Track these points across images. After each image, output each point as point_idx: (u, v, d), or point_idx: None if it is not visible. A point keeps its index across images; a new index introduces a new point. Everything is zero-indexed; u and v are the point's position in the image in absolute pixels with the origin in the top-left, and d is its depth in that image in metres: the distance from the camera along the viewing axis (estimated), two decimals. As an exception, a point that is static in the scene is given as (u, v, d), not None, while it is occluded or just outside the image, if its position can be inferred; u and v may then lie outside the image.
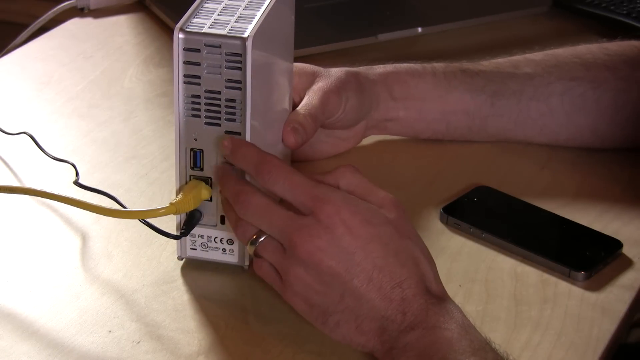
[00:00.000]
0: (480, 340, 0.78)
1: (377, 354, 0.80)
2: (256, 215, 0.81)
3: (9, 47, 1.29)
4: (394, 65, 1.07)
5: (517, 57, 1.10)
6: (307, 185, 0.81)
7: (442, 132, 1.08)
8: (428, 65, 1.07)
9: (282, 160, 0.83)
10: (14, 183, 1.01)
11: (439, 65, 1.07)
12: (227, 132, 0.84)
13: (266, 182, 0.82)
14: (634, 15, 1.33)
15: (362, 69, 1.05)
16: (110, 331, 0.83)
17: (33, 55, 1.26)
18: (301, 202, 0.80)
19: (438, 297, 0.80)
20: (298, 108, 0.98)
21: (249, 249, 0.82)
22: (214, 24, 0.84)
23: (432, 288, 0.80)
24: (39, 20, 1.32)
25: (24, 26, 1.31)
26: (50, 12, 1.32)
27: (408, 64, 1.07)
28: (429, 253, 0.82)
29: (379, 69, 1.06)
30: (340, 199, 0.80)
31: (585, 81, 1.06)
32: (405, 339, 0.78)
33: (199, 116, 0.85)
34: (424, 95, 1.06)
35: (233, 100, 0.84)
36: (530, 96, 1.06)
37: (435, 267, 0.82)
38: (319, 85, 1.00)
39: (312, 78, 1.01)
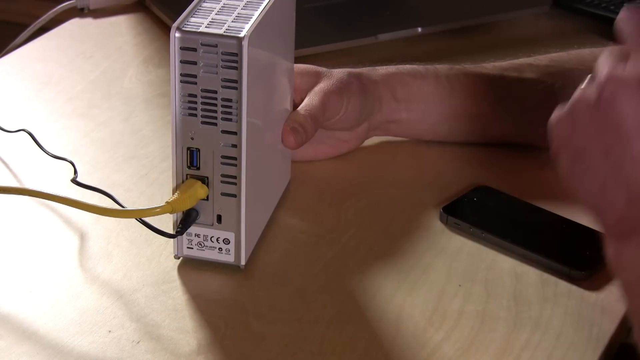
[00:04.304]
0: None
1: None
2: None
3: (9, 47, 1.30)
4: (396, 66, 1.06)
5: (521, 62, 1.09)
6: None
7: (445, 134, 1.08)
8: (431, 67, 1.07)
9: None
10: (12, 181, 1.01)
11: (441, 68, 1.07)
12: (223, 132, 0.84)
13: None
14: (634, 15, 1.33)
15: (364, 70, 1.05)
16: (109, 331, 0.83)
17: (33, 55, 1.26)
18: None
19: None
20: (298, 108, 0.98)
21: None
22: (211, 24, 0.84)
23: None
24: (39, 20, 1.32)
25: (24, 26, 1.31)
26: (50, 12, 1.32)
27: (411, 66, 1.07)
28: None
29: (382, 70, 1.05)
30: None
31: None
32: None
33: (195, 115, 0.85)
34: (426, 98, 1.05)
35: (229, 100, 0.84)
36: (534, 102, 1.05)
37: None
38: (320, 86, 1.00)
39: (315, 79, 1.01)
